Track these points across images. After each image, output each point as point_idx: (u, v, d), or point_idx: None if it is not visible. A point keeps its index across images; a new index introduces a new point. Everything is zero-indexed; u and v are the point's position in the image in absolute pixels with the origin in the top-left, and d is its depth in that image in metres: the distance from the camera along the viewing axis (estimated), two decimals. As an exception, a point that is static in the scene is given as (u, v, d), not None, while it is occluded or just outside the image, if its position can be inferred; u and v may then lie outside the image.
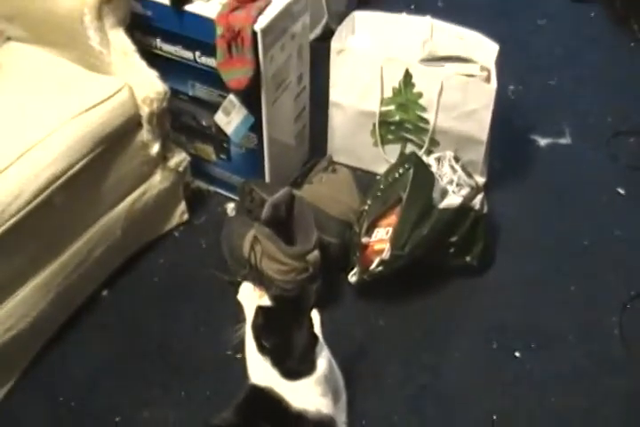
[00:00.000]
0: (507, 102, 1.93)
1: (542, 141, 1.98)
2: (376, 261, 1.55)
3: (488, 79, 1.66)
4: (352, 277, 1.61)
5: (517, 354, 1.55)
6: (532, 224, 1.79)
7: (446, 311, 1.62)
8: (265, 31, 1.45)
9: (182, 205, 1.75)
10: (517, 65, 2.07)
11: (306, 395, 1.25)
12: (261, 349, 1.25)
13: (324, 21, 2.10)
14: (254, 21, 1.44)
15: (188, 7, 1.48)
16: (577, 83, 2.14)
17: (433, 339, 1.58)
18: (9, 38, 1.56)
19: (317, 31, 2.08)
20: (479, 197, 1.62)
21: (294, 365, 1.24)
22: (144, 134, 1.54)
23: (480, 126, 1.67)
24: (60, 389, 1.48)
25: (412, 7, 2.24)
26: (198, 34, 1.49)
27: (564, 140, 1.99)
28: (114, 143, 1.48)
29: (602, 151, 1.95)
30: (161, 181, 1.64)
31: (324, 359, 1.27)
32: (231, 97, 1.59)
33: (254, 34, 1.44)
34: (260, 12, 1.45)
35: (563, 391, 1.49)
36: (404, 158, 1.65)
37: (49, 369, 1.50)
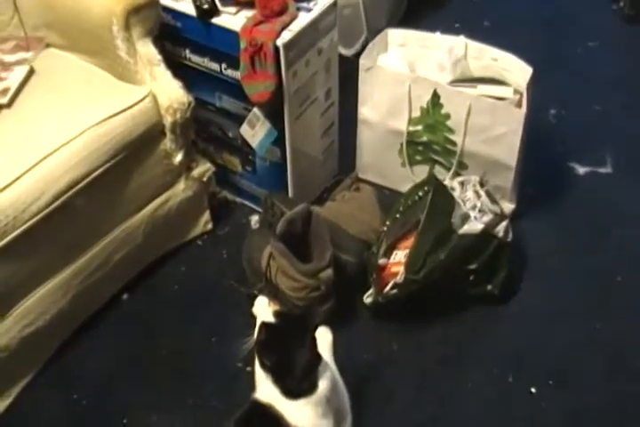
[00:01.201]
0: (546, 126, 1.87)
1: (581, 169, 1.90)
2: (391, 283, 1.52)
3: (520, 103, 1.61)
4: (367, 299, 1.58)
5: (533, 390, 1.49)
6: (563, 255, 1.72)
7: (463, 340, 1.58)
8: (287, 46, 1.44)
9: (207, 215, 1.76)
10: (562, 87, 2.00)
11: (305, 415, 1.23)
12: (263, 365, 1.24)
13: (363, 37, 2.08)
14: (277, 36, 1.43)
15: (215, 20, 1.49)
16: (623, 109, 2.04)
17: (447, 367, 1.53)
18: (48, 45, 1.61)
19: (357, 47, 2.07)
20: (503, 224, 1.57)
21: (294, 383, 1.22)
22: (167, 143, 1.56)
23: (509, 151, 1.62)
24: (74, 387, 1.51)
25: (457, 25, 2.18)
26: (224, 46, 1.50)
27: (605, 170, 1.90)
28: (136, 151, 1.50)
29: (644, 183, 1.86)
30: (184, 190, 1.66)
31: (326, 380, 1.24)
32: (255, 110, 1.59)
33: (277, 49, 1.44)
34: (285, 26, 1.45)
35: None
36: (424, 181, 1.62)
37: (65, 367, 1.53)
